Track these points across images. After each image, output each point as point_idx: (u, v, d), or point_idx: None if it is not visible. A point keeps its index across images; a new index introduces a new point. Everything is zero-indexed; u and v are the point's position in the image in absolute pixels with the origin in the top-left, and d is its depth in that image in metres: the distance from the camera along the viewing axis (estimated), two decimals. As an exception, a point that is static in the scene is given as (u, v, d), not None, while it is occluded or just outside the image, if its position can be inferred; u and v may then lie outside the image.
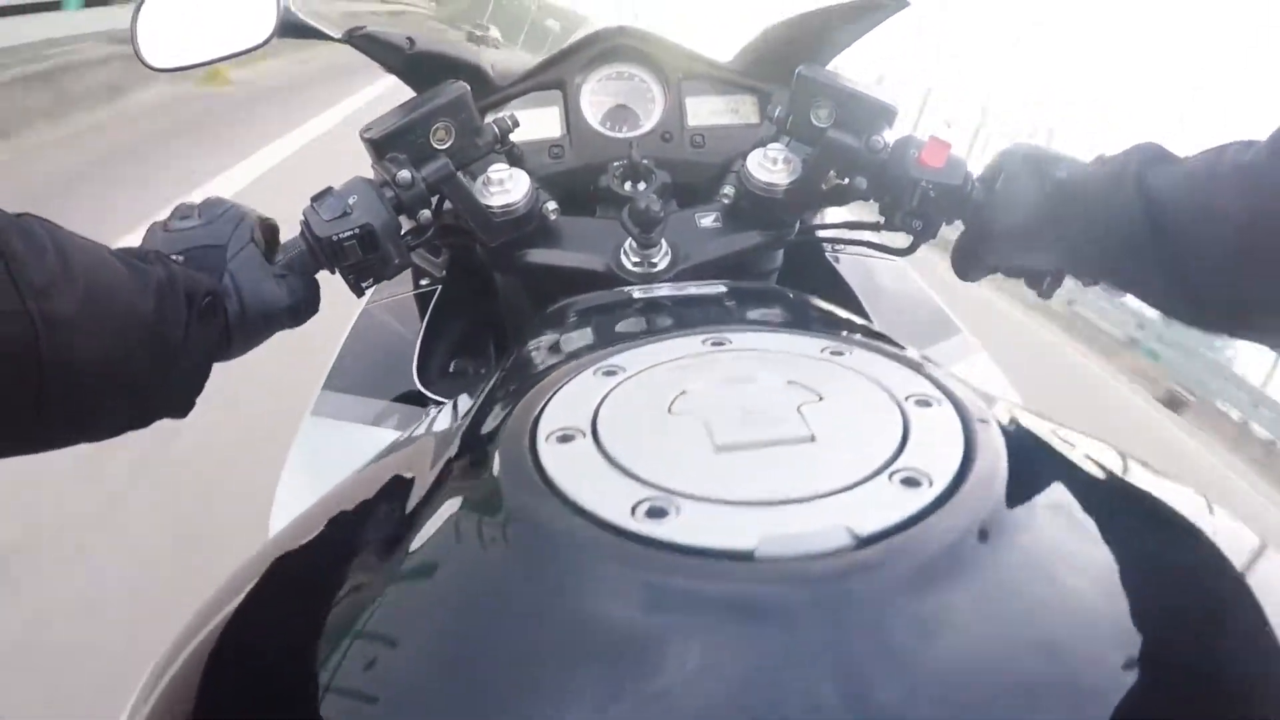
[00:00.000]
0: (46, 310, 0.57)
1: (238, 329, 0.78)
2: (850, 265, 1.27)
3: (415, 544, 0.44)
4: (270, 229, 0.87)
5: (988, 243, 0.89)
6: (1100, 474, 0.50)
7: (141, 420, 0.71)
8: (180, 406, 0.74)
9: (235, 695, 0.44)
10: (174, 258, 0.74)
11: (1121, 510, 0.47)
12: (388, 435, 1.02)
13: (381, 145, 0.91)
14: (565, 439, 0.46)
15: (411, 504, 0.50)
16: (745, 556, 0.36)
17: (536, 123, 1.15)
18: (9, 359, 0.56)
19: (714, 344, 0.57)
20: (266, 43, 1.03)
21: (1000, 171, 0.87)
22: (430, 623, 0.40)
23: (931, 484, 0.41)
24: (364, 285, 0.89)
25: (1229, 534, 0.48)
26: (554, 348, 0.68)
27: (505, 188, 0.94)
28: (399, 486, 0.55)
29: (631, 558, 0.37)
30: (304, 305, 0.85)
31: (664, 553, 0.37)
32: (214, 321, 0.74)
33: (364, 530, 0.54)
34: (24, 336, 0.56)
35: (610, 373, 0.53)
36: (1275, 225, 0.61)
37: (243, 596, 0.50)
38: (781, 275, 1.11)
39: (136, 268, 0.67)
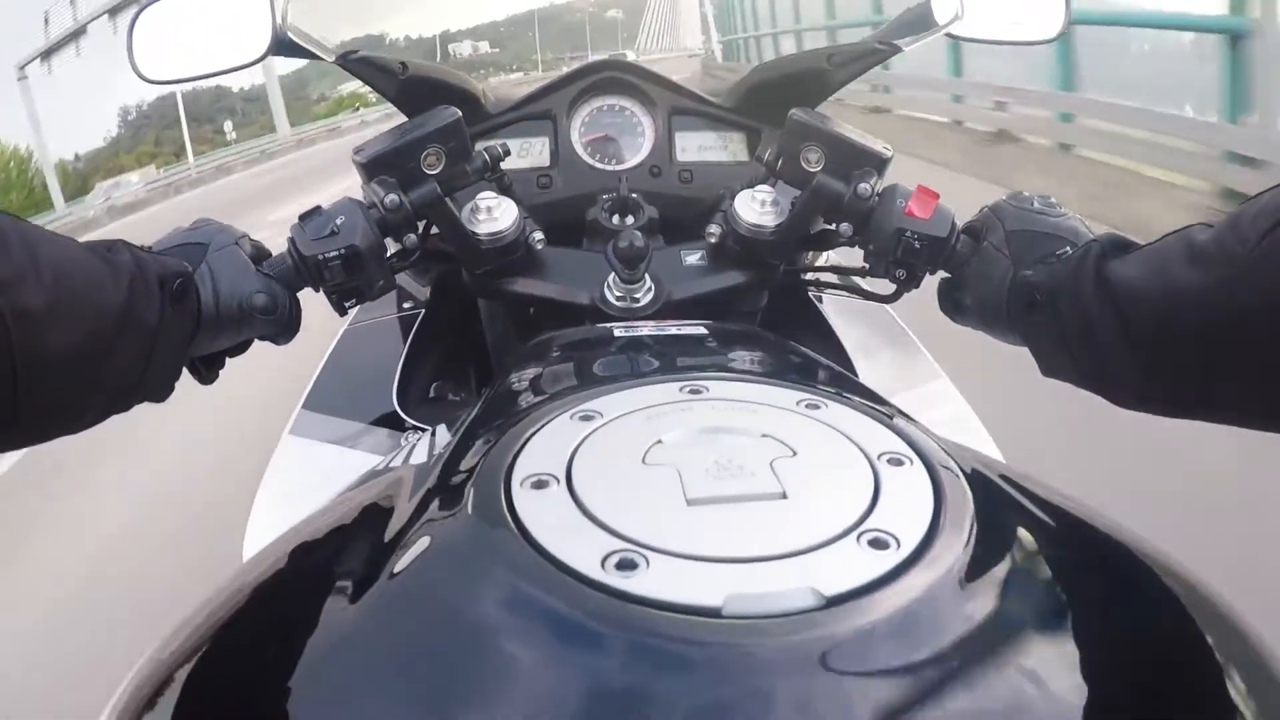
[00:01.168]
0: (15, 304, 0.57)
1: (210, 317, 0.78)
2: (833, 306, 1.27)
3: (386, 582, 0.44)
4: (258, 246, 0.87)
5: (964, 301, 0.89)
6: (1069, 536, 0.51)
7: (120, 407, 0.71)
8: (159, 391, 0.74)
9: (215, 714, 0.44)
10: (149, 248, 0.75)
11: (1088, 572, 0.48)
12: (365, 459, 1.02)
13: (371, 168, 0.91)
14: (540, 485, 0.46)
15: (385, 539, 0.50)
16: (712, 613, 0.37)
17: (526, 152, 1.16)
18: None
19: (691, 391, 0.57)
20: (260, 60, 1.03)
21: (986, 231, 0.86)
22: (398, 661, 0.40)
23: (899, 545, 0.41)
24: (347, 305, 0.89)
25: (1195, 597, 0.48)
26: (534, 385, 0.68)
27: (493, 216, 0.95)
28: (374, 520, 0.55)
29: (600, 610, 0.37)
30: (284, 314, 0.85)
31: (632, 606, 0.37)
32: (187, 305, 0.75)
33: (337, 563, 0.54)
34: None
35: (587, 417, 0.53)
36: (1240, 300, 0.60)
37: (214, 625, 0.50)
38: (764, 315, 1.12)
39: (105, 257, 0.68)
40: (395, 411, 1.10)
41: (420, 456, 0.67)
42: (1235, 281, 0.60)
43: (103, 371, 0.67)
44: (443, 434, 0.70)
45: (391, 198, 0.88)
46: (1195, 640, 0.46)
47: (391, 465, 0.71)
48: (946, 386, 1.19)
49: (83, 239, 0.70)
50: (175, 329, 0.73)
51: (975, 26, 1.13)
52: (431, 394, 1.20)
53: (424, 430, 0.97)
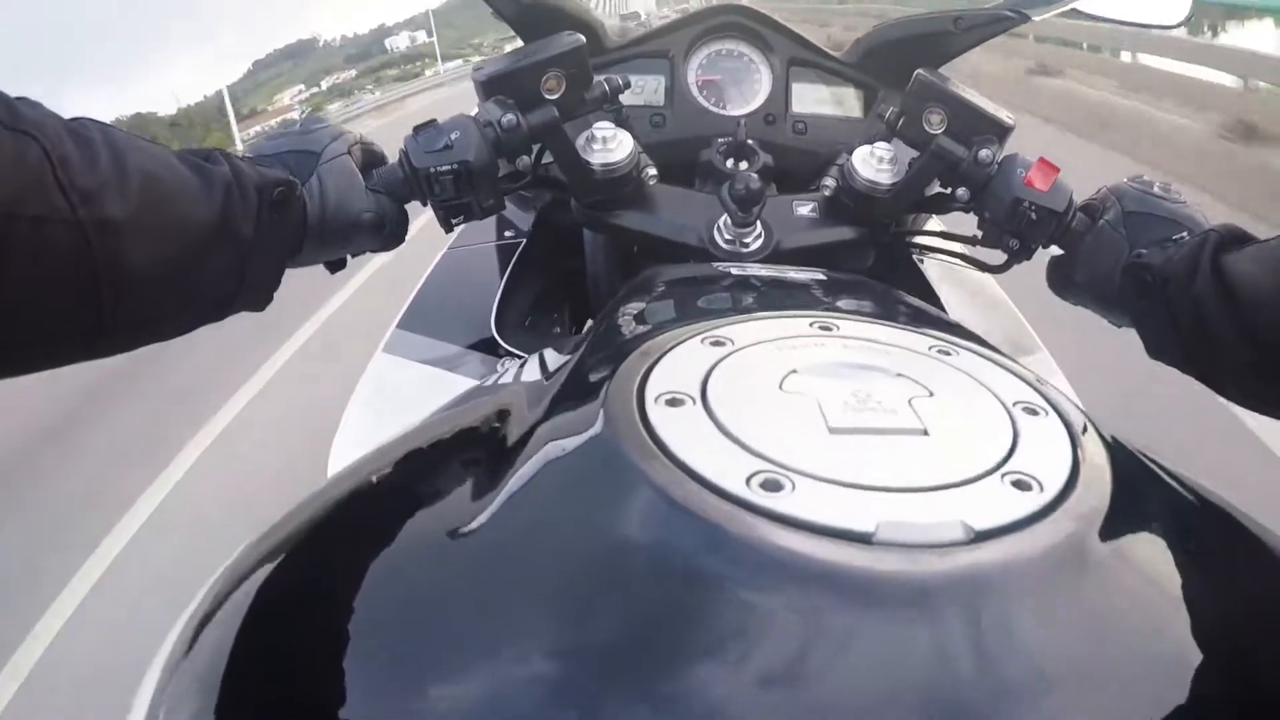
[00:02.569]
0: (97, 215, 0.57)
1: (315, 229, 0.78)
2: (935, 271, 1.26)
3: (508, 492, 0.44)
4: (371, 151, 0.87)
5: (1075, 278, 0.88)
6: (1199, 503, 0.50)
7: (215, 316, 0.71)
8: (257, 301, 0.74)
9: (283, 634, 0.43)
10: (252, 156, 0.75)
11: (1209, 537, 0.47)
12: (459, 380, 1.03)
13: (490, 86, 0.91)
14: (674, 402, 0.46)
15: (504, 451, 0.49)
16: (864, 539, 0.36)
17: (640, 89, 1.15)
18: (62, 266, 0.56)
19: (821, 328, 0.56)
20: None
21: (1104, 209, 0.85)
22: (526, 573, 0.39)
23: (1043, 489, 0.41)
24: (454, 221, 0.89)
25: None
26: (652, 312, 0.68)
27: (608, 146, 0.94)
28: (488, 433, 0.55)
29: (749, 528, 0.37)
30: (391, 228, 0.85)
31: (782, 526, 0.37)
32: (288, 214, 0.74)
33: (449, 473, 0.53)
34: (76, 243, 0.56)
35: (718, 343, 0.53)
36: None
37: (310, 529, 0.50)
38: (869, 273, 1.11)
39: (199, 167, 0.67)
40: (491, 337, 1.11)
41: (531, 376, 0.67)
42: None
43: (193, 282, 0.67)
44: (550, 357, 0.70)
45: (509, 117, 0.88)
46: None
47: (500, 384, 0.71)
48: (1047, 360, 1.18)
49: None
50: (273, 240, 0.72)
51: (1103, 5, 1.11)
52: (527, 324, 1.21)
53: (520, 357, 0.98)
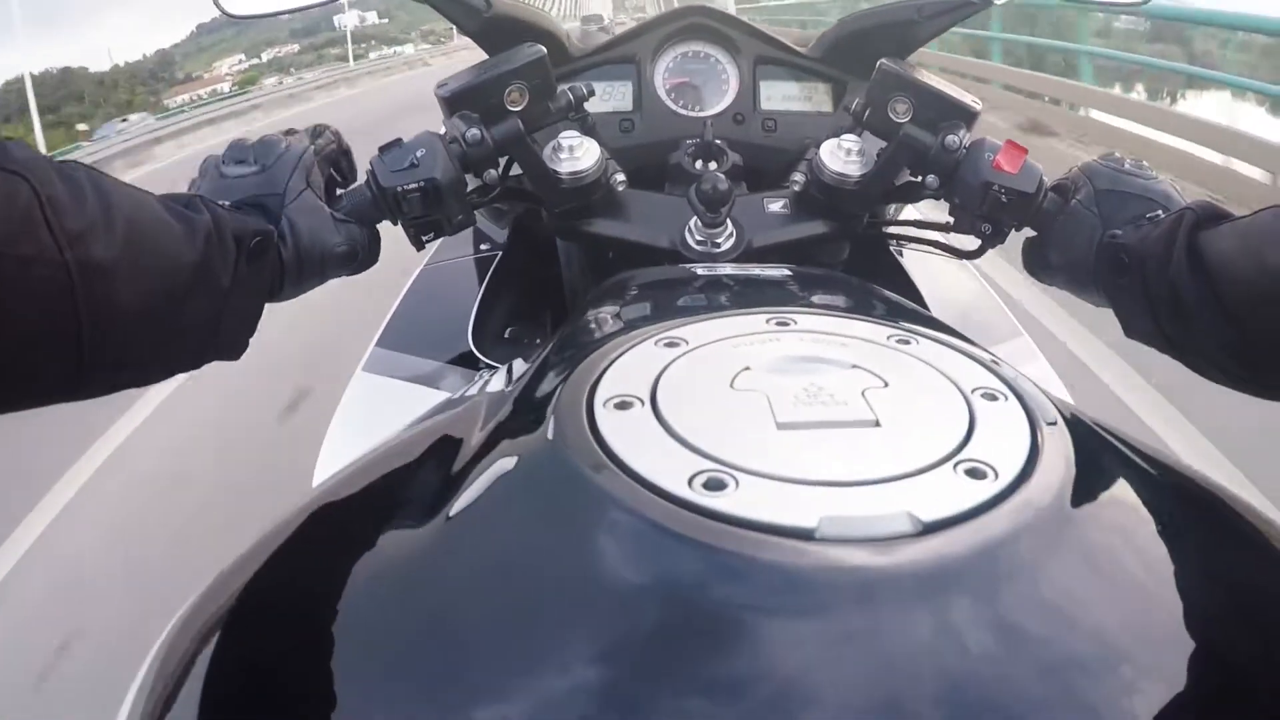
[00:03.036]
0: (83, 257, 0.57)
1: (292, 271, 0.77)
2: (914, 260, 1.25)
3: (463, 502, 0.44)
4: (339, 151, 0.87)
5: (1050, 259, 0.87)
6: (1165, 483, 0.49)
7: (191, 364, 0.71)
8: (232, 349, 0.74)
9: (268, 647, 0.44)
10: (224, 203, 0.74)
11: (1184, 519, 0.46)
12: (439, 396, 1.02)
13: (454, 101, 0.91)
14: (623, 406, 0.45)
15: (461, 463, 0.50)
16: (805, 535, 0.36)
17: (608, 95, 1.15)
18: (46, 306, 0.56)
19: (778, 323, 0.56)
20: None
21: (1076, 189, 0.84)
22: (477, 582, 0.39)
23: (997, 476, 0.40)
24: (425, 239, 0.88)
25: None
26: (614, 317, 0.68)
27: (575, 155, 0.94)
28: (449, 445, 0.55)
29: (688, 527, 0.36)
30: (363, 253, 0.85)
31: (722, 525, 0.36)
32: (264, 263, 0.74)
33: (410, 487, 0.53)
34: (60, 284, 0.56)
35: (672, 344, 0.52)
36: None
37: (284, 548, 0.50)
38: (845, 266, 1.10)
39: (181, 214, 0.67)
40: (470, 351, 1.11)
41: (496, 387, 0.67)
42: None
43: (171, 329, 0.66)
44: (519, 367, 0.70)
45: (473, 132, 0.87)
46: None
47: (466, 396, 0.71)
48: (1028, 344, 1.17)
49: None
50: (250, 288, 0.72)
51: None
52: (507, 335, 1.21)
53: (497, 369, 0.98)
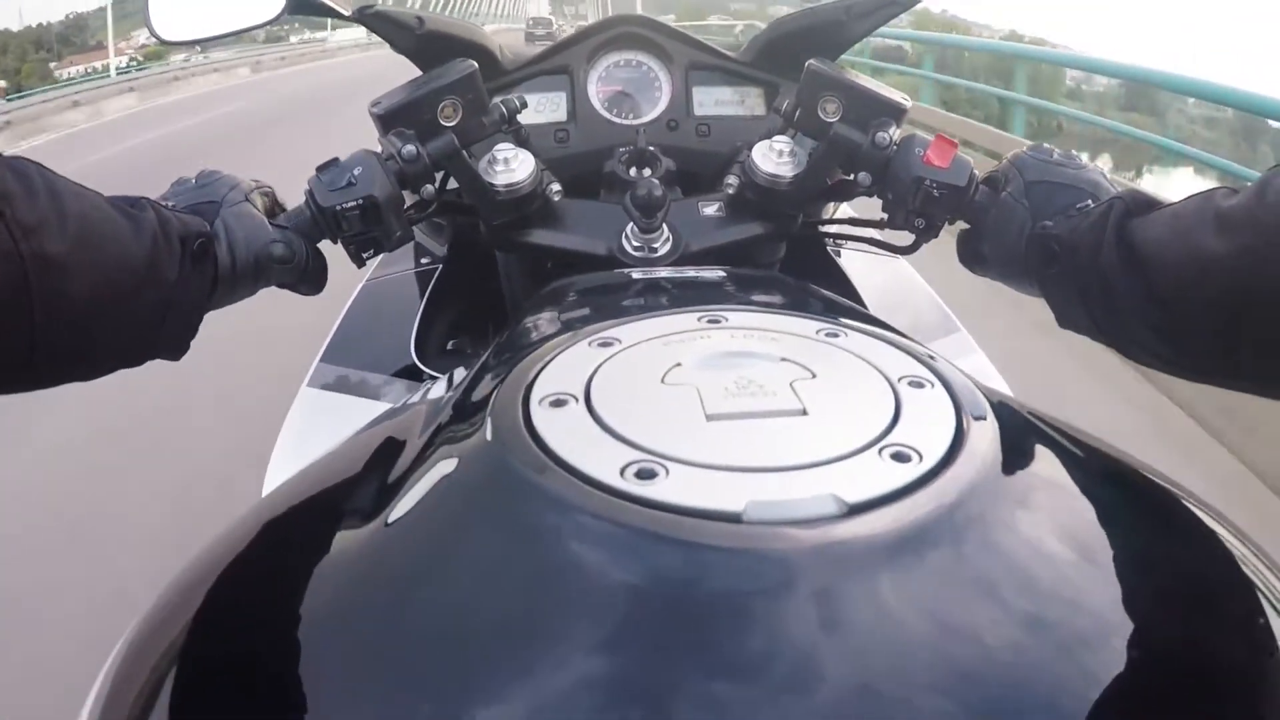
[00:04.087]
0: (37, 249, 0.57)
1: (227, 273, 0.78)
2: (851, 260, 1.27)
3: (406, 504, 0.45)
4: (270, 196, 0.88)
5: (983, 250, 0.89)
6: (1088, 465, 0.51)
7: (135, 360, 0.71)
8: (174, 348, 0.74)
9: (220, 652, 0.44)
10: (167, 203, 0.75)
11: (1108, 499, 0.47)
12: (383, 408, 1.03)
13: (388, 119, 0.92)
14: (558, 404, 0.46)
15: (403, 466, 0.50)
16: (733, 518, 0.37)
17: (542, 107, 1.16)
18: (0, 298, 0.56)
19: (709, 321, 0.57)
20: (277, 19, 1.03)
21: (1006, 181, 0.85)
22: (420, 581, 0.40)
23: (921, 459, 0.41)
24: (365, 256, 0.89)
25: (1211, 528, 0.48)
26: (550, 321, 0.68)
27: (510, 167, 0.94)
28: (391, 450, 0.55)
29: (620, 516, 0.37)
30: (303, 263, 0.85)
31: (652, 511, 0.37)
32: (205, 265, 0.75)
33: (354, 493, 0.54)
34: (13, 276, 0.57)
35: (605, 344, 0.53)
36: (1264, 268, 0.60)
37: (231, 556, 0.50)
38: (782, 267, 1.11)
39: (128, 213, 0.68)
40: (414, 364, 1.11)
41: (438, 394, 0.67)
42: (1262, 251, 0.60)
43: (119, 324, 0.67)
44: (459, 375, 0.71)
45: (409, 149, 0.88)
46: (1214, 568, 0.46)
47: (409, 404, 0.71)
48: (965, 339, 1.19)
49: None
50: (193, 287, 0.73)
51: None
52: (450, 347, 1.21)
53: (441, 378, 0.98)
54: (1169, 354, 0.70)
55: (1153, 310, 0.68)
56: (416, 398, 0.73)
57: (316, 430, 1.06)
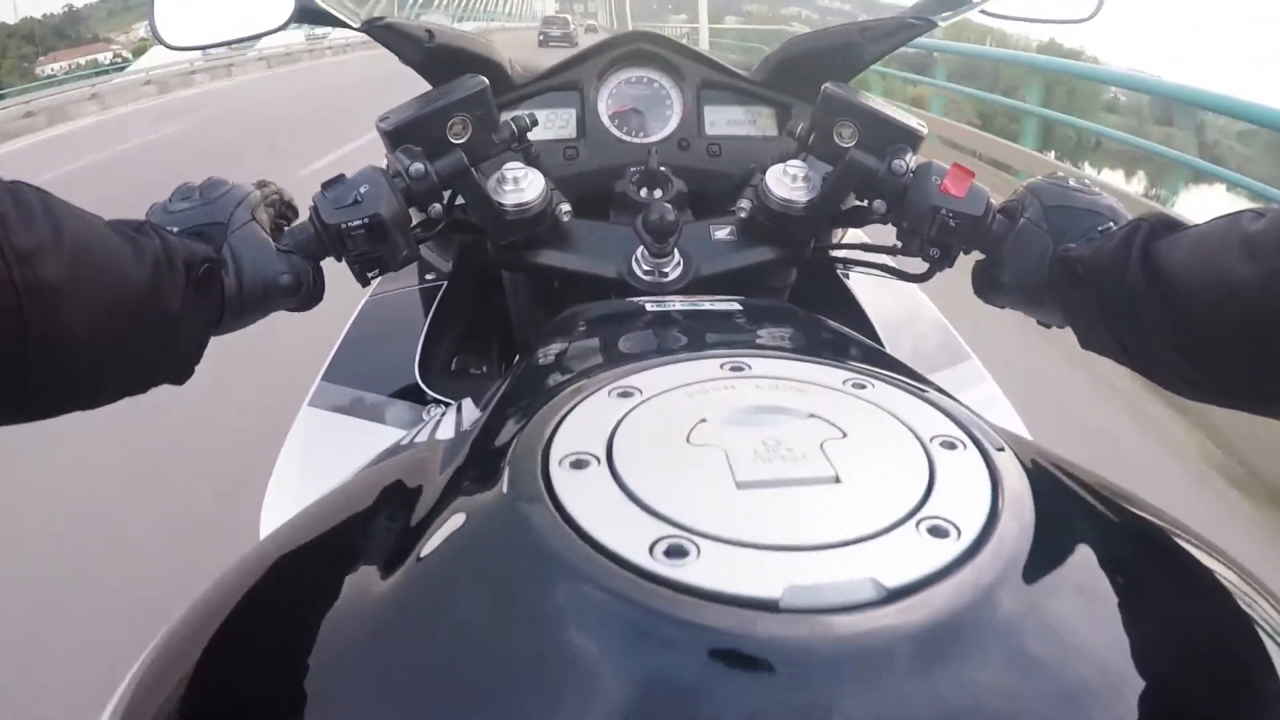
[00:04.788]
0: (30, 277, 0.56)
1: (234, 301, 0.77)
2: (861, 284, 1.26)
3: (415, 563, 0.43)
4: (278, 204, 0.87)
5: (1001, 280, 0.88)
6: (1123, 526, 0.49)
7: (138, 388, 0.70)
8: (179, 375, 0.73)
9: (221, 702, 0.43)
10: (171, 229, 0.74)
11: (1146, 565, 0.46)
12: (386, 431, 1.01)
13: (396, 136, 0.90)
14: (579, 464, 0.44)
15: (416, 516, 0.48)
16: (770, 606, 0.35)
17: (551, 123, 1.15)
18: None
19: (733, 369, 0.55)
20: (283, 27, 1.02)
21: (1024, 208, 0.85)
22: (428, 649, 0.38)
23: (960, 534, 0.40)
24: (370, 275, 0.88)
25: (1250, 591, 0.47)
26: (565, 359, 0.67)
27: (519, 186, 0.93)
28: (400, 498, 0.54)
29: (651, 601, 0.35)
30: (308, 289, 0.84)
31: (684, 596, 0.35)
32: (211, 291, 0.74)
33: (364, 539, 0.52)
34: (6, 303, 0.55)
35: (626, 394, 0.52)
36: None
37: (235, 601, 0.49)
38: (793, 292, 1.10)
39: (130, 238, 0.67)
40: (417, 384, 1.09)
41: (446, 432, 0.65)
42: None
43: (119, 353, 0.66)
44: (468, 408, 0.69)
45: (416, 166, 0.87)
46: (1258, 639, 0.44)
47: (415, 440, 0.70)
48: (976, 368, 1.18)
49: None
50: (199, 314, 0.72)
51: (1010, 4, 1.11)
52: (453, 367, 1.20)
53: (446, 404, 0.96)
54: (1195, 378, 0.69)
55: (1178, 333, 0.68)
56: (425, 431, 0.71)
57: (318, 454, 1.05)
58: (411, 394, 1.09)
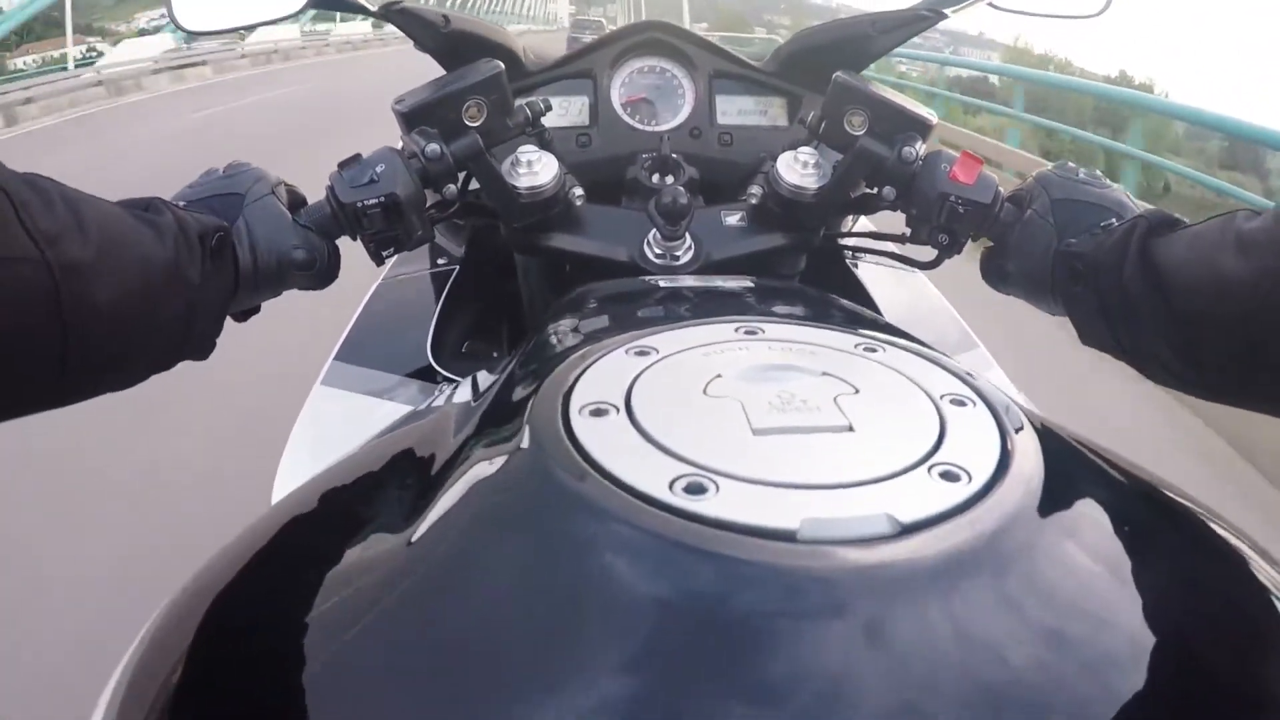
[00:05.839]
0: (62, 256, 0.57)
1: (248, 273, 0.77)
2: (869, 273, 1.27)
3: (437, 512, 0.44)
4: (294, 194, 0.87)
5: (1007, 269, 0.88)
6: (1129, 485, 0.50)
7: (165, 364, 0.71)
8: (202, 349, 0.74)
9: (235, 660, 0.43)
10: (182, 204, 0.75)
11: (1149, 520, 0.48)
12: (398, 409, 1.02)
13: (412, 117, 0.91)
14: (599, 413, 0.45)
15: (433, 473, 0.49)
16: (787, 536, 0.36)
17: (565, 110, 1.16)
18: (28, 308, 0.55)
19: (746, 332, 0.56)
20: (301, 12, 1.03)
21: (1031, 199, 0.85)
22: (453, 592, 0.39)
23: (971, 479, 0.41)
24: (385, 254, 0.88)
25: (1244, 548, 0.48)
26: (581, 327, 0.68)
27: (533, 170, 0.94)
28: (418, 455, 0.54)
29: (672, 531, 0.36)
30: (323, 265, 0.84)
31: (705, 528, 0.36)
32: (225, 262, 0.74)
33: (379, 498, 0.53)
34: (42, 284, 0.56)
35: (643, 353, 0.53)
36: None
37: (247, 560, 0.49)
38: (802, 278, 1.11)
39: (144, 216, 0.68)
40: (429, 364, 1.10)
41: (462, 398, 0.66)
42: None
43: (148, 328, 0.66)
44: (483, 378, 0.70)
45: (432, 147, 0.87)
46: (1251, 588, 0.45)
47: (433, 407, 0.71)
48: (984, 355, 1.19)
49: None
50: (215, 286, 0.72)
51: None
52: (465, 349, 1.20)
53: (459, 381, 0.97)
54: (1188, 373, 0.70)
55: (1173, 329, 0.69)
56: (440, 401, 0.72)
57: (330, 431, 1.05)
58: (424, 374, 1.10)
